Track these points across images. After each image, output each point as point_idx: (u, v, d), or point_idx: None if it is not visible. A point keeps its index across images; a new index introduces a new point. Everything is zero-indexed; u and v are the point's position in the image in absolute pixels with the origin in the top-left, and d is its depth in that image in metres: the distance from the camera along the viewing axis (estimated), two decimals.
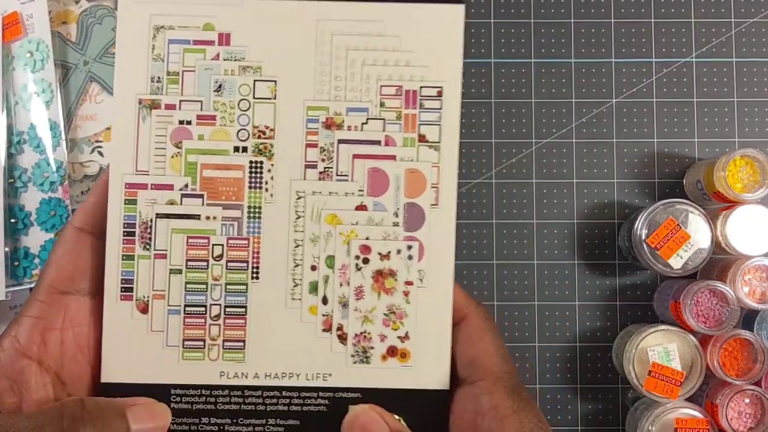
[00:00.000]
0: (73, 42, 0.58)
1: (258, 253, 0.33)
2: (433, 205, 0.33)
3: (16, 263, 0.56)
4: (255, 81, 0.33)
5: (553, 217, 0.64)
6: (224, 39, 0.33)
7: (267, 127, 0.33)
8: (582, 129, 0.64)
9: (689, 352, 0.56)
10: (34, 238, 0.56)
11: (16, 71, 0.57)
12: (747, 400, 0.56)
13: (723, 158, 0.57)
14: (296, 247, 0.33)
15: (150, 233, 0.33)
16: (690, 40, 0.65)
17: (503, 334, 0.62)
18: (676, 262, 0.56)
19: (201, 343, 0.33)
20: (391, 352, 0.33)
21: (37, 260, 0.56)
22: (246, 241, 0.33)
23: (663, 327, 0.56)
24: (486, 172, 0.64)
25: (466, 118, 0.64)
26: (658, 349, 0.56)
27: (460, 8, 0.33)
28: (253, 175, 0.33)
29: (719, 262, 0.59)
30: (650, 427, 0.55)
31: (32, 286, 0.55)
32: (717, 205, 0.59)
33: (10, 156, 0.56)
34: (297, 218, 0.33)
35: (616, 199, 0.64)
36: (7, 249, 0.55)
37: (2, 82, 0.56)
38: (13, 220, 0.56)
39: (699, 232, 0.56)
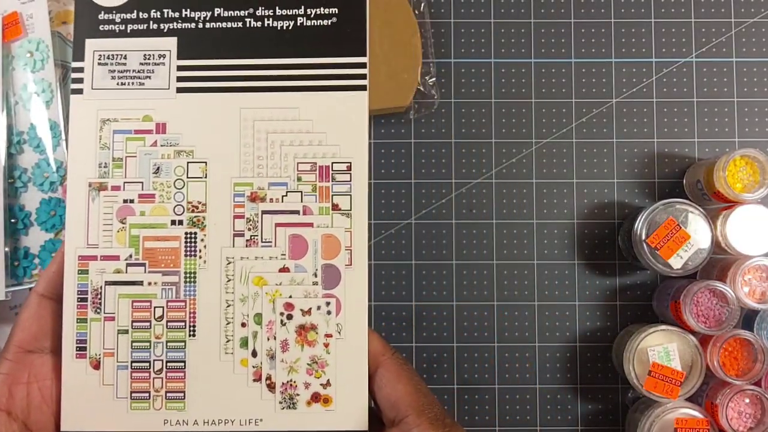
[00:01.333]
0: (73, 42, 0.58)
1: (194, 313, 0.38)
2: (347, 265, 0.38)
3: (16, 263, 0.56)
4: (188, 163, 0.38)
5: (553, 217, 0.64)
6: (161, 128, 0.38)
7: (199, 202, 0.38)
8: (582, 129, 0.64)
9: (689, 352, 0.56)
10: (34, 238, 0.56)
11: (16, 71, 0.57)
12: (747, 400, 0.56)
13: (723, 158, 0.57)
14: (227, 306, 0.38)
15: (100, 299, 0.38)
16: (690, 40, 0.65)
17: (503, 334, 0.63)
18: (676, 262, 0.56)
19: (146, 394, 0.37)
20: (315, 398, 0.37)
21: (37, 260, 0.56)
22: (183, 303, 0.38)
23: (663, 327, 0.56)
24: (486, 172, 0.64)
25: (466, 118, 0.64)
26: (658, 349, 0.56)
27: (364, 94, 0.38)
28: (188, 244, 0.38)
29: (719, 262, 0.59)
30: (650, 427, 0.55)
31: (32, 286, 0.55)
32: (717, 205, 0.59)
33: (10, 156, 0.56)
34: (228, 281, 0.38)
35: (616, 199, 0.64)
36: (7, 249, 0.55)
37: (2, 82, 0.56)
38: (13, 220, 0.56)
39: (699, 232, 0.56)
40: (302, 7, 0.38)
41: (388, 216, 0.63)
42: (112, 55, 0.39)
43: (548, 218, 0.64)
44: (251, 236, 0.38)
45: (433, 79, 0.63)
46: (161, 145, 0.38)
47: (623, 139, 0.64)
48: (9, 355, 0.37)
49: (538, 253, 0.63)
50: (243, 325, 0.38)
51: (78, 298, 0.38)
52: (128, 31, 0.39)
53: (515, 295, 0.63)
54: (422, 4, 0.63)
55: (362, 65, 0.38)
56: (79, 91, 0.39)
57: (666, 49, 0.65)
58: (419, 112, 0.63)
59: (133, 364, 0.38)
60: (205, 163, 0.38)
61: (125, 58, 0.39)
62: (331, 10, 0.38)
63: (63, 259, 0.38)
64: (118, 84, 0.38)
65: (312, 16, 0.38)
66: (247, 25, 0.38)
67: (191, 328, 0.38)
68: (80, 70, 0.39)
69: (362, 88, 0.38)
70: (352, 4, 0.38)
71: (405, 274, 0.63)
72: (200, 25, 0.39)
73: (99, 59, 0.39)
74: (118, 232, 0.38)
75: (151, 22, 0.39)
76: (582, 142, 0.64)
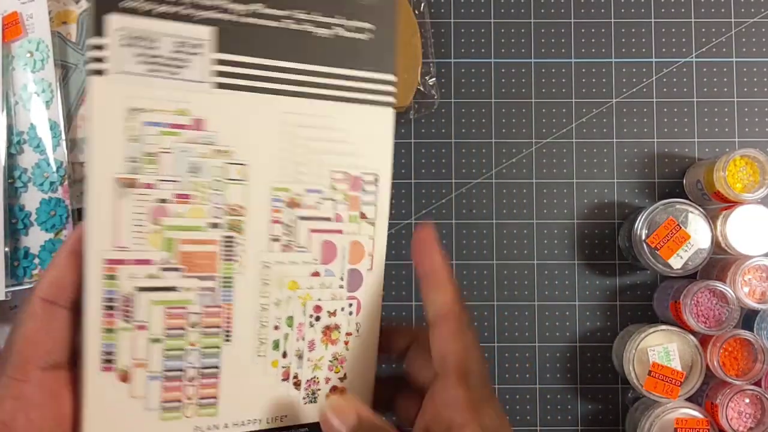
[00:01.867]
0: (73, 42, 0.58)
1: (230, 318, 0.37)
2: (368, 269, 0.39)
3: (16, 263, 0.56)
4: (227, 163, 0.37)
5: (553, 217, 0.64)
6: (198, 124, 0.36)
7: (238, 205, 0.37)
8: (582, 129, 0.64)
9: (689, 352, 0.56)
10: (34, 238, 0.56)
11: (16, 71, 0.57)
12: (747, 400, 0.56)
13: (723, 158, 0.57)
14: (263, 310, 0.37)
15: (130, 306, 0.35)
16: (690, 40, 0.65)
17: (503, 334, 0.63)
18: (676, 262, 0.56)
19: (178, 403, 0.36)
20: (333, 390, 0.38)
21: (37, 260, 0.56)
22: (220, 309, 0.37)
23: (663, 327, 0.56)
24: (486, 172, 0.64)
25: (466, 118, 0.64)
26: (658, 349, 0.56)
27: (390, 110, 0.38)
28: (226, 248, 0.37)
29: (719, 262, 0.59)
30: (650, 427, 0.55)
31: (32, 286, 0.55)
32: (717, 205, 0.59)
33: (10, 156, 0.56)
34: (264, 285, 0.37)
35: (616, 199, 0.64)
36: (7, 249, 0.55)
37: (2, 82, 0.56)
38: (13, 220, 0.56)
39: (699, 232, 0.56)
40: (342, 17, 0.38)
41: (389, 216, 0.63)
42: (140, 36, 0.35)
43: (548, 218, 0.64)
44: (288, 241, 0.37)
45: (433, 79, 0.63)
46: (198, 143, 0.36)
47: (623, 139, 0.64)
48: (18, 374, 0.33)
49: (538, 253, 0.63)
50: (276, 327, 0.37)
51: (105, 306, 0.35)
52: (153, 12, 0.35)
53: (515, 295, 0.63)
54: (422, 4, 0.63)
55: (392, 83, 0.38)
56: (99, 72, 0.34)
57: (666, 49, 0.65)
58: (419, 112, 0.63)
59: (166, 374, 0.36)
60: (245, 165, 0.37)
61: (155, 42, 0.35)
62: (368, 24, 0.38)
63: (68, 260, 0.35)
64: (146, 70, 0.35)
65: (351, 28, 0.38)
66: (287, 27, 0.37)
67: (227, 334, 0.37)
68: (99, 47, 0.34)
69: (390, 104, 0.39)
70: (385, 21, 0.38)
71: (405, 274, 0.63)
72: (236, 19, 0.36)
73: (121, 39, 0.35)
74: (151, 234, 0.35)
75: (182, 7, 0.35)
76: (582, 142, 0.64)
